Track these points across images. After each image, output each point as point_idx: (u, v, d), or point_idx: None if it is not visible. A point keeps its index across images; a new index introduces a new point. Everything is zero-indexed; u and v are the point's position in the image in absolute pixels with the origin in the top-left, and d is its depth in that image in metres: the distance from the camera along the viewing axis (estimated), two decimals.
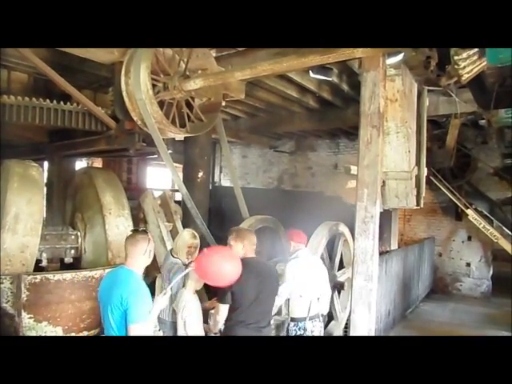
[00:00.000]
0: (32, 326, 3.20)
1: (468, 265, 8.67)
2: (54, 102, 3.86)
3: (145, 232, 2.56)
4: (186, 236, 3.36)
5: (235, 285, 2.70)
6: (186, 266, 3.06)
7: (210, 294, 3.43)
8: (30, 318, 3.19)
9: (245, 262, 2.82)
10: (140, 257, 2.37)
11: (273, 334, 3.45)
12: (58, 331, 3.30)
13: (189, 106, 3.97)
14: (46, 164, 5.63)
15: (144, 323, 2.17)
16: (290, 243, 3.73)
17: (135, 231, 2.64)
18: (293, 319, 3.44)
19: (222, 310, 2.77)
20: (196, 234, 3.42)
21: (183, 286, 2.99)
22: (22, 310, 3.15)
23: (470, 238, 8.64)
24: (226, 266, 2.53)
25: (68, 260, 4.05)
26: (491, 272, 8.53)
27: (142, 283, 2.30)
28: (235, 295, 2.75)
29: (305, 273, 3.45)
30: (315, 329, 3.42)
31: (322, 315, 3.62)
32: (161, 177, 12.74)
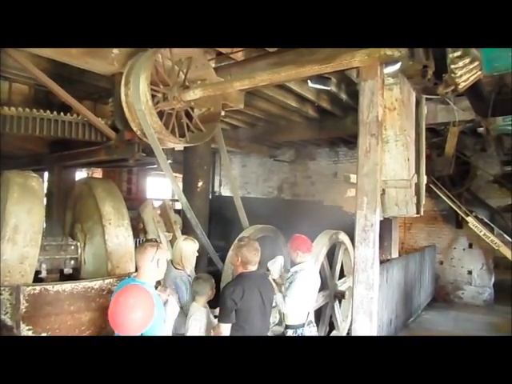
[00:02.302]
0: None
1: (469, 273, 8.63)
2: (55, 112, 3.89)
3: (154, 241, 2.60)
4: (192, 244, 3.33)
5: (240, 302, 2.62)
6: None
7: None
8: (29, 329, 3.15)
9: (246, 276, 2.76)
10: (148, 265, 2.38)
11: None
12: None
13: (188, 116, 3.99)
14: (46, 175, 5.64)
15: (162, 333, 2.22)
16: (297, 253, 3.41)
17: (145, 241, 2.65)
18: (290, 326, 3.39)
19: (225, 330, 2.64)
20: (194, 239, 3.42)
21: (193, 299, 3.04)
22: (21, 322, 3.11)
23: (471, 246, 8.61)
24: (136, 315, 2.04)
25: (67, 271, 4.02)
26: (493, 280, 8.48)
27: (156, 297, 2.31)
28: (241, 313, 2.65)
29: (311, 285, 3.42)
30: (312, 334, 3.41)
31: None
32: (161, 187, 12.75)
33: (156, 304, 2.23)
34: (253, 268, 2.83)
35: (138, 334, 2.11)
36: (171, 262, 3.32)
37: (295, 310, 3.34)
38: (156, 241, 2.64)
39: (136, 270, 3.82)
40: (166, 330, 2.42)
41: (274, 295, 3.00)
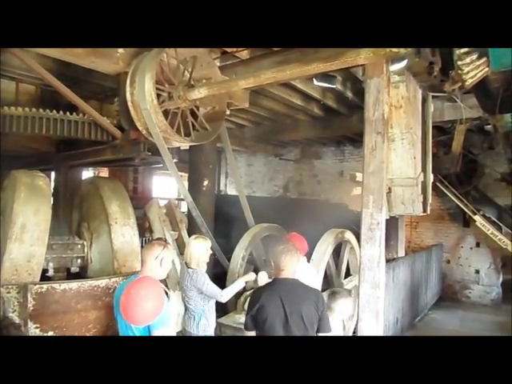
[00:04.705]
0: None
1: (477, 272, 8.56)
2: (61, 112, 3.91)
3: (163, 240, 2.62)
4: (203, 242, 3.28)
5: (254, 309, 2.46)
6: None
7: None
8: (37, 327, 3.18)
9: (273, 282, 2.57)
10: (151, 262, 2.40)
11: None
12: None
13: (193, 114, 3.99)
14: (52, 174, 5.68)
15: (165, 328, 2.23)
16: None
17: (155, 239, 2.70)
18: None
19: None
20: (206, 237, 3.40)
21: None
22: (29, 320, 3.14)
23: (478, 245, 8.53)
24: (147, 305, 2.12)
25: (74, 269, 4.05)
26: (501, 279, 8.40)
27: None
28: (258, 322, 2.47)
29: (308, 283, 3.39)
30: None
31: None
32: (166, 186, 12.79)
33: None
34: (286, 274, 2.53)
35: (149, 324, 2.16)
36: (185, 264, 3.26)
37: None
38: (165, 240, 2.65)
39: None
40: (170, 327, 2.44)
41: (313, 310, 2.46)
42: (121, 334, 2.38)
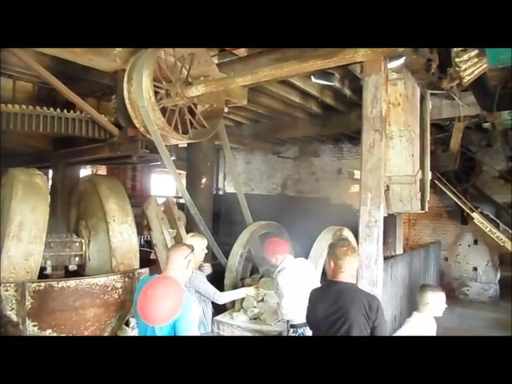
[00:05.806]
0: (36, 334, 3.20)
1: (475, 269, 8.58)
2: (58, 110, 3.90)
3: (188, 244, 2.63)
4: (200, 241, 3.26)
5: (308, 311, 2.44)
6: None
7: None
8: (35, 325, 3.18)
9: (325, 285, 2.47)
10: (180, 262, 2.38)
11: None
12: None
13: (191, 112, 3.99)
14: (50, 172, 5.67)
15: (194, 332, 2.20)
16: (276, 257, 3.51)
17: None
18: (293, 325, 3.33)
19: None
20: (202, 236, 3.40)
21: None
22: (27, 318, 3.14)
23: (476, 242, 8.55)
24: (165, 304, 2.07)
25: (72, 267, 4.04)
26: (499, 276, 8.43)
27: (186, 293, 2.32)
28: (309, 323, 2.47)
29: (299, 281, 3.34)
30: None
31: None
32: (165, 183, 12.79)
33: (186, 298, 2.24)
34: (343, 277, 2.36)
35: (168, 323, 2.12)
36: None
37: (297, 310, 3.22)
38: (189, 245, 2.66)
39: (141, 266, 3.86)
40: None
41: (362, 318, 2.24)
42: (140, 333, 2.35)
